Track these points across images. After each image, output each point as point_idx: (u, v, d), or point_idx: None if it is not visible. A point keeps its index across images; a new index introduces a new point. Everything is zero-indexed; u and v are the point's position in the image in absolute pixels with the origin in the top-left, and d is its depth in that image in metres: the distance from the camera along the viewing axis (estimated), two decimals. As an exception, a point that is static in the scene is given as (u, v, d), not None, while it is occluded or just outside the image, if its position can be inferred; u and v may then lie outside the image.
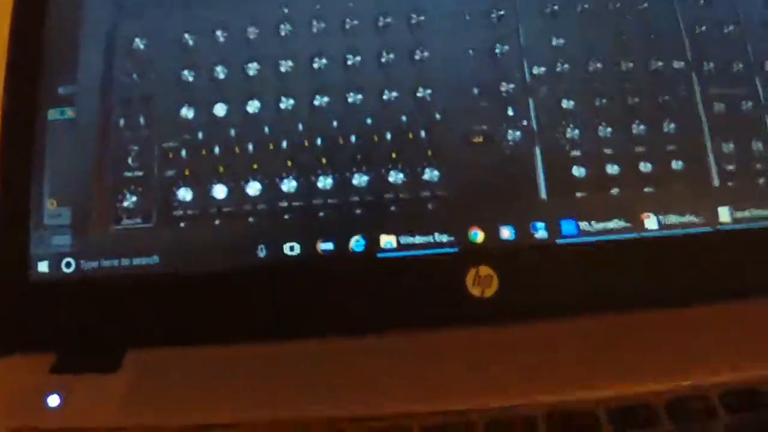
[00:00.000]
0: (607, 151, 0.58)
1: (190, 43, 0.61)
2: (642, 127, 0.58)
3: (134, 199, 0.58)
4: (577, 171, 0.57)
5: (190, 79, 0.60)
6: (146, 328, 0.56)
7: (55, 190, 0.59)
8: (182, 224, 0.57)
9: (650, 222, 0.56)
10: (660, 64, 0.59)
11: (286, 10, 0.61)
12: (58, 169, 0.59)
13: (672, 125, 0.58)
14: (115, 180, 0.58)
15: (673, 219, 0.56)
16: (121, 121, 0.59)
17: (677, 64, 0.60)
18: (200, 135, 0.58)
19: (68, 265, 0.57)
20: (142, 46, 0.61)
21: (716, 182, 0.58)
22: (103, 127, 0.60)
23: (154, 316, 0.56)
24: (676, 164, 0.58)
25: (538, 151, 0.57)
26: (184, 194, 0.57)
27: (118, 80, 0.60)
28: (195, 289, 0.56)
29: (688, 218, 0.56)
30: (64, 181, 0.59)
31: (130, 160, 0.59)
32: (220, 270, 0.56)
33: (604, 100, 0.58)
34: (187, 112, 0.59)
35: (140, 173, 0.58)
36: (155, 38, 0.61)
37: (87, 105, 0.60)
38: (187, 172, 0.58)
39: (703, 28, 0.61)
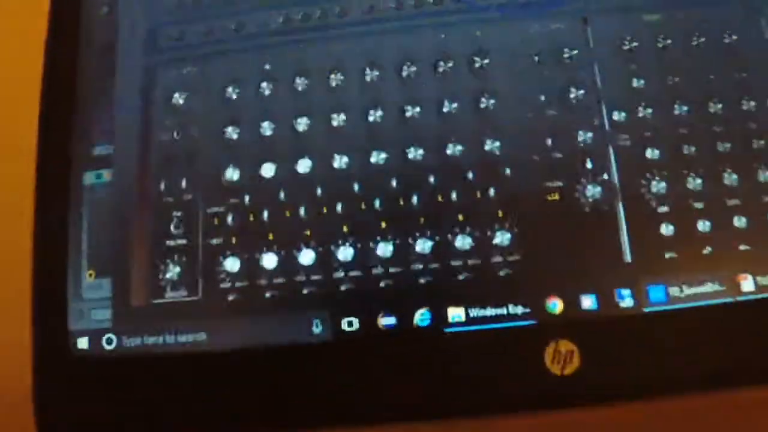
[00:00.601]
0: (697, 205, 0.50)
1: (234, 96, 0.54)
2: (735, 176, 0.50)
3: (177, 270, 0.51)
4: (665, 229, 0.49)
5: (234, 136, 0.53)
6: (193, 410, 0.50)
7: (94, 261, 0.53)
8: (230, 297, 0.51)
9: (747, 284, 0.48)
10: (753, 104, 0.51)
11: (336, 58, 0.54)
12: (95, 237, 0.53)
13: (769, 173, 0.50)
14: (156, 249, 0.52)
15: (773, 280, 0.49)
16: (162, 185, 0.53)
17: (774, 104, 0.52)
18: (247, 198, 0.52)
19: (109, 341, 0.52)
20: (181, 101, 0.55)
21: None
22: (143, 191, 0.53)
23: (201, 398, 0.50)
24: (776, 218, 0.50)
25: (620, 207, 0.50)
26: (232, 264, 0.51)
27: (156, 139, 0.54)
28: (244, 370, 0.50)
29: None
30: (103, 251, 0.53)
31: (172, 227, 0.52)
32: (272, 348, 0.49)
33: (692, 148, 0.51)
34: (232, 174, 0.53)
35: (183, 241, 0.52)
36: (196, 92, 0.55)
37: (124, 167, 0.54)
38: (233, 240, 0.52)
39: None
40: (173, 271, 0.51)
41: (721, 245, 0.50)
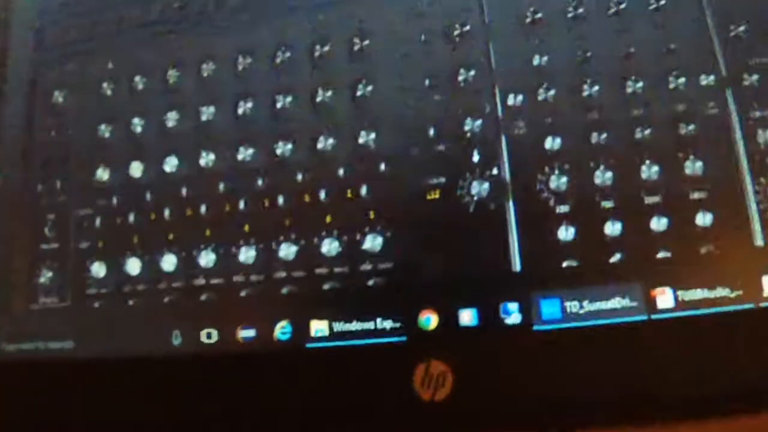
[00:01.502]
0: (606, 204, 0.40)
1: (108, 93, 0.49)
2: (655, 168, 0.40)
3: (50, 275, 0.47)
4: (564, 232, 0.40)
5: (107, 134, 0.48)
6: (59, 420, 0.45)
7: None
8: (96, 304, 0.46)
9: (665, 299, 0.38)
10: (681, 80, 0.41)
11: (209, 48, 0.47)
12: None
13: (698, 163, 0.40)
14: (32, 253, 0.48)
15: (694, 294, 0.38)
16: (39, 186, 0.49)
17: (706, 80, 0.41)
18: (115, 200, 0.47)
19: None
20: (60, 99, 0.50)
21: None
22: (24, 192, 0.49)
23: (67, 407, 0.45)
24: (703, 218, 0.39)
25: (511, 206, 0.41)
26: (98, 270, 0.46)
27: (36, 139, 0.50)
28: (108, 380, 0.45)
29: (719, 292, 0.38)
30: None
31: (46, 230, 0.48)
32: (133, 358, 0.44)
33: (602, 135, 0.40)
34: (102, 174, 0.47)
35: (56, 245, 0.47)
36: (74, 89, 0.50)
37: (9, 167, 0.50)
38: (100, 244, 0.46)
39: (741, 28, 0.41)
40: (46, 276, 0.47)
41: (633, 252, 0.40)
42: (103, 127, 0.48)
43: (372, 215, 0.42)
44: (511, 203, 0.41)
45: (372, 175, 0.42)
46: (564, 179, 0.40)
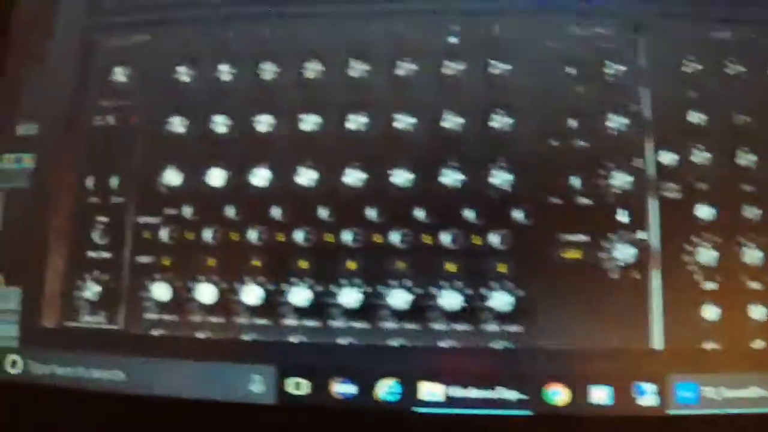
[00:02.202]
0: (754, 285, 0.36)
1: (185, 79, 0.40)
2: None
3: (97, 289, 0.38)
4: (709, 311, 0.35)
5: (181, 129, 0.39)
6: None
7: (5, 263, 0.40)
8: (155, 332, 0.38)
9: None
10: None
11: (313, 43, 0.39)
12: (8, 233, 0.40)
13: None
14: (74, 260, 0.39)
15: None
16: (88, 181, 0.39)
17: None
18: (187, 211, 0.38)
19: (14, 364, 0.39)
20: (122, 78, 0.40)
21: None
22: (66, 186, 0.40)
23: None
24: None
25: (656, 277, 0.36)
26: (160, 291, 0.38)
27: (87, 123, 0.40)
28: (165, 424, 0.37)
29: None
30: (15, 253, 0.40)
31: (95, 236, 0.39)
32: (198, 402, 0.36)
33: (756, 211, 0.36)
34: (172, 177, 0.38)
35: (107, 255, 0.39)
36: (140, 69, 0.40)
37: (49, 153, 0.40)
38: (166, 261, 0.38)
39: None
40: (92, 290, 0.38)
41: (779, 339, 0.35)
42: (176, 120, 0.39)
43: (502, 268, 0.36)
44: (656, 273, 0.35)
45: (504, 222, 0.36)
46: (713, 254, 0.36)
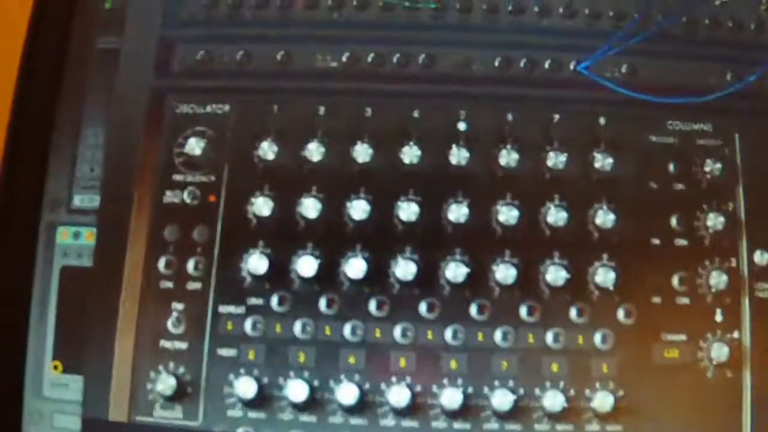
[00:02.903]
0: None
1: (270, 157, 0.36)
2: None
3: (172, 382, 0.34)
4: None
5: (266, 212, 0.36)
6: None
7: (61, 350, 0.36)
8: (240, 430, 0.34)
9: None
10: None
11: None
12: (66, 317, 0.36)
13: None
14: (146, 349, 0.35)
15: None
16: (162, 262, 0.35)
17: None
18: (275, 301, 0.35)
19: None
20: (198, 150, 0.36)
21: None
22: (135, 266, 0.36)
23: None
24: None
25: (748, 377, 0.35)
26: (246, 386, 0.34)
27: (161, 196, 0.36)
28: None
29: None
30: (75, 338, 0.35)
31: (170, 324, 0.35)
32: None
33: None
34: (258, 264, 0.35)
35: (183, 345, 0.35)
36: (220, 140, 0.37)
37: (113, 226, 0.36)
38: (250, 355, 0.35)
39: None
40: (166, 383, 0.35)
41: None
42: (260, 201, 0.36)
43: (605, 368, 0.35)
44: (748, 373, 0.35)
45: (606, 316, 0.35)
46: (798, 352, 0.36)
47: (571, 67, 0.38)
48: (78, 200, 0.37)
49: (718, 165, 0.38)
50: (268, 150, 0.37)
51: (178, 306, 0.36)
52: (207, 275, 0.36)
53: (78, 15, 0.39)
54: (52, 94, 0.37)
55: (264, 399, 0.35)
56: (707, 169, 0.38)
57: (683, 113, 0.38)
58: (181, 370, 0.35)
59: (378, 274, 0.36)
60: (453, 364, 0.35)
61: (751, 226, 0.37)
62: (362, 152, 0.37)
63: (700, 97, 0.38)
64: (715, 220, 0.37)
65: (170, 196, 0.37)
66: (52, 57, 0.38)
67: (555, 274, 0.36)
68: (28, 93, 0.38)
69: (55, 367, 0.36)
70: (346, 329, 0.35)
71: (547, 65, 0.38)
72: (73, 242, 0.37)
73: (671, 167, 0.37)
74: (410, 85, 0.38)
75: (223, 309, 0.36)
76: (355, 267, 0.36)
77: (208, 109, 0.37)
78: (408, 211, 0.36)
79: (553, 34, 0.38)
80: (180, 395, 0.35)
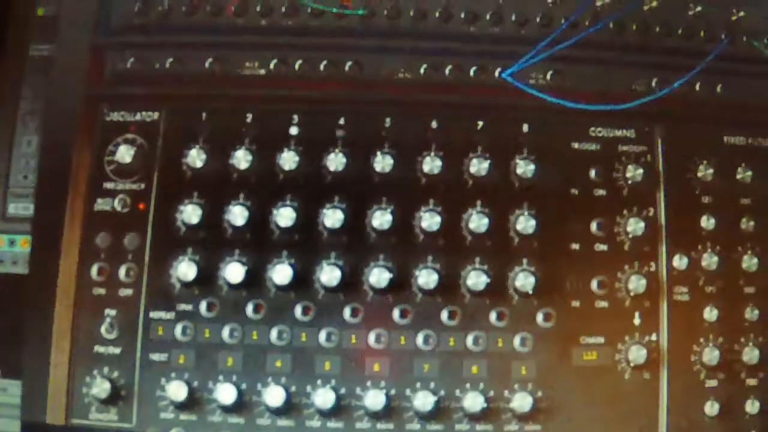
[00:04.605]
0: (750, 381, 0.36)
1: (199, 164, 0.35)
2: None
3: (106, 386, 0.34)
4: (710, 408, 0.35)
5: (194, 220, 0.35)
6: None
7: (0, 354, 0.36)
8: (172, 432, 0.34)
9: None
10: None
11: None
12: (5, 324, 0.36)
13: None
14: (80, 354, 0.35)
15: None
16: (94, 268, 0.35)
17: None
18: (203, 307, 0.35)
19: None
20: (128, 159, 0.36)
21: None
22: (68, 272, 0.35)
23: None
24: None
25: (665, 377, 0.35)
26: (177, 390, 0.34)
27: (90, 205, 0.35)
28: None
29: None
30: (11, 344, 0.35)
31: (103, 329, 0.35)
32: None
33: (755, 312, 0.36)
34: (187, 270, 0.35)
35: (117, 350, 0.35)
36: (152, 140, 0.36)
37: (47, 232, 0.36)
38: (181, 360, 0.34)
39: None
40: (101, 387, 0.34)
41: None
42: (189, 209, 0.35)
43: (523, 371, 0.35)
44: (665, 374, 0.35)
45: (525, 323, 0.35)
46: (716, 353, 0.36)
47: (496, 74, 0.37)
48: (12, 208, 0.36)
49: (640, 171, 0.37)
50: (196, 158, 0.36)
51: (110, 312, 0.35)
52: (138, 282, 0.35)
53: (11, 22, 0.38)
54: (-15, 103, 0.36)
55: (194, 402, 0.35)
56: (629, 174, 0.37)
57: (607, 119, 0.37)
58: (116, 374, 0.35)
59: (303, 280, 0.35)
60: (376, 367, 0.35)
61: (671, 231, 0.37)
62: (289, 159, 0.36)
63: (624, 104, 0.37)
64: (635, 225, 0.36)
65: (101, 204, 0.36)
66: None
67: (476, 279, 0.35)
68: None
69: (-7, 372, 0.36)
70: (273, 334, 0.35)
71: (472, 72, 0.37)
72: (9, 249, 0.36)
73: (593, 173, 0.37)
74: (337, 92, 0.37)
75: (154, 315, 0.35)
76: (281, 273, 0.35)
77: (138, 116, 0.36)
78: (333, 218, 0.35)
79: (480, 40, 0.37)
80: (115, 399, 0.35)
